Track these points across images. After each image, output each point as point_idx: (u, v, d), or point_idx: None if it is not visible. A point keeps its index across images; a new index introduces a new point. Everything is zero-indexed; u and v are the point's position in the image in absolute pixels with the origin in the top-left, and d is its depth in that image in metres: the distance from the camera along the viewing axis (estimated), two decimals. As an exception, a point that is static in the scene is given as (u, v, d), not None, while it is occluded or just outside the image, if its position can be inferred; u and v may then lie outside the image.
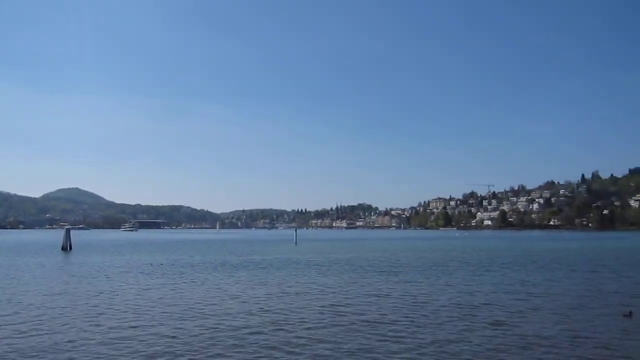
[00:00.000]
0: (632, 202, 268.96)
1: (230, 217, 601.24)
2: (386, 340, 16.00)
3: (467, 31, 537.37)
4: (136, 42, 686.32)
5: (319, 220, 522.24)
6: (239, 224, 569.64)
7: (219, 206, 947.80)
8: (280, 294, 26.91)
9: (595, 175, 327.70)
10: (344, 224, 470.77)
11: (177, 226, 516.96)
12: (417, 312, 21.26)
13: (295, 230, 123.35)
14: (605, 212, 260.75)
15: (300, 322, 19.09)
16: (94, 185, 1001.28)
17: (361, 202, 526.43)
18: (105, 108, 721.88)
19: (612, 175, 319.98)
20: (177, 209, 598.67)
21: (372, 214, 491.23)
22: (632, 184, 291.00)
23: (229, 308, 22.31)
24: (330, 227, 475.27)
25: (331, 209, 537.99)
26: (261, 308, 22.27)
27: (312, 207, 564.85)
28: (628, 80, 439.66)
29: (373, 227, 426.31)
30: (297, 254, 64.35)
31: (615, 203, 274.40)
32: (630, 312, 20.29)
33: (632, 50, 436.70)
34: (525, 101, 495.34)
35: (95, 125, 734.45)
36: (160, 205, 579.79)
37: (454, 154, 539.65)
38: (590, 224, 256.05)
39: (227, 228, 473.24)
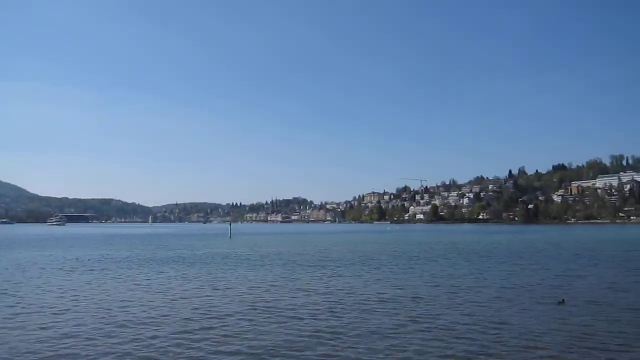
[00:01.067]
0: (555, 197, 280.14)
1: (163, 211, 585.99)
2: (307, 336, 15.79)
3: (394, 37, 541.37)
4: (65, 31, 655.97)
5: (254, 214, 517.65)
6: (172, 217, 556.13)
7: (151, 200, 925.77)
8: (205, 290, 26.21)
9: (522, 171, 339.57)
10: (279, 218, 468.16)
11: (106, 220, 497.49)
12: (342, 306, 20.99)
13: (230, 224, 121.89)
14: (530, 206, 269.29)
15: (221, 318, 18.65)
16: (15, 177, 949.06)
17: (296, 196, 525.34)
18: (29, 97, 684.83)
19: (537, 171, 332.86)
20: (106, 202, 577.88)
21: (308, 207, 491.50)
22: (555, 180, 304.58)
23: (151, 306, 21.41)
24: (266, 221, 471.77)
25: (266, 202, 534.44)
26: (186, 305, 21.50)
27: (247, 201, 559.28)
28: (552, 81, 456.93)
29: (308, 221, 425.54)
30: (231, 249, 63.17)
31: (540, 198, 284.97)
32: (563, 300, 21.78)
33: (556, 51, 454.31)
34: (457, 101, 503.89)
35: (19, 115, 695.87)
36: (89, 198, 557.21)
37: (388, 149, 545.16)
38: (516, 218, 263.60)
39: (160, 222, 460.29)
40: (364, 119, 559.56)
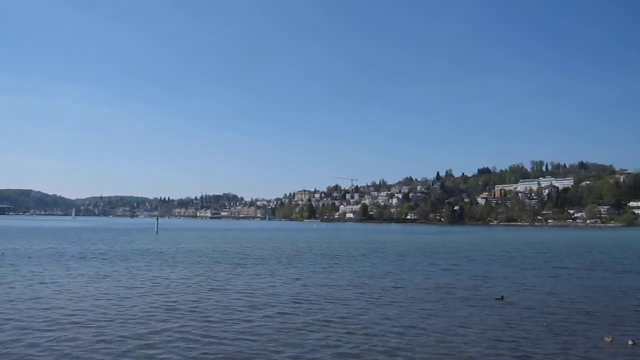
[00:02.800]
0: (479, 199, 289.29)
1: (87, 204, 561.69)
2: (208, 337, 15.19)
3: (328, 44, 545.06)
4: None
5: (183, 210, 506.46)
6: (96, 211, 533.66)
7: (74, 192, 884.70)
8: (114, 289, 24.83)
9: (449, 174, 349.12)
10: (208, 214, 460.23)
11: (24, 212, 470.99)
12: (251, 307, 20.32)
13: (157, 219, 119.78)
14: (456, 208, 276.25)
15: (124, 319, 17.63)
16: None
17: (227, 192, 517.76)
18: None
19: (463, 174, 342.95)
20: (25, 193, 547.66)
21: (238, 204, 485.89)
22: (479, 183, 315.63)
23: (54, 305, 20.11)
24: (195, 216, 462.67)
25: (195, 198, 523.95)
26: (91, 305, 20.31)
27: (175, 196, 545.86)
28: (480, 87, 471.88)
29: (238, 218, 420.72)
30: (156, 244, 61.77)
31: (465, 200, 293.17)
32: (502, 297, 22.89)
33: (485, 59, 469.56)
34: (389, 104, 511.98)
35: None
36: (5, 189, 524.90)
37: (320, 148, 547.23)
38: (442, 219, 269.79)
39: (83, 215, 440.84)
40: (297, 117, 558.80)
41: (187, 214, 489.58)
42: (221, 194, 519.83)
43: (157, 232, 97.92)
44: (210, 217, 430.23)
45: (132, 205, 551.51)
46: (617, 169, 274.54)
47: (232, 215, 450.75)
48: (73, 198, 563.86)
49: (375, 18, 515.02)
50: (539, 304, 21.64)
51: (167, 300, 21.81)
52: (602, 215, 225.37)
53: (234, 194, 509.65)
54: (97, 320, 17.51)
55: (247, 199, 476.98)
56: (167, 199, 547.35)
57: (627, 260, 46.63)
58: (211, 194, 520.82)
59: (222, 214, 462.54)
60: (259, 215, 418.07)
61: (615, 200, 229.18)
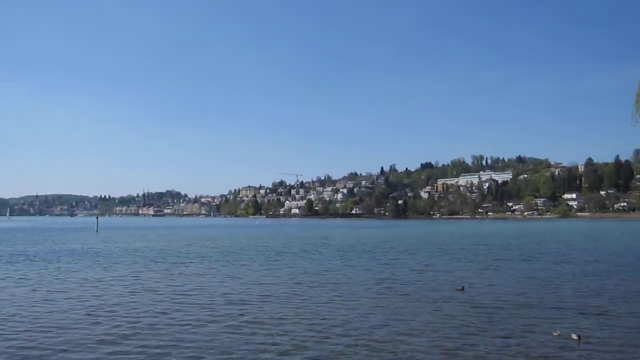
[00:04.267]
0: (422, 194, 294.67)
1: (21, 203, 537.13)
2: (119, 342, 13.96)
3: (274, 34, 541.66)
4: None
5: (125, 208, 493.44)
6: (32, 210, 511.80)
7: (7, 191, 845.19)
8: (36, 292, 23.44)
9: (393, 169, 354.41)
10: (151, 212, 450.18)
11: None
12: (180, 308, 19.37)
13: (97, 217, 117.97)
14: (400, 202, 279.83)
15: (38, 326, 16.27)
16: None
17: (170, 189, 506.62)
18: None
19: (406, 168, 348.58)
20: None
21: (182, 201, 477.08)
22: (422, 177, 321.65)
23: None
24: (137, 214, 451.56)
25: (137, 195, 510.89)
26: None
27: (116, 194, 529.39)
28: (424, 83, 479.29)
29: (182, 215, 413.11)
30: (95, 244, 59.99)
31: (409, 194, 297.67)
32: (463, 287, 23.49)
33: (428, 54, 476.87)
34: (333, 98, 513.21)
35: None
36: None
37: (265, 144, 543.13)
38: (386, 213, 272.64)
39: (18, 215, 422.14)
40: (241, 112, 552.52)
41: (128, 212, 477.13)
42: (164, 191, 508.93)
43: (97, 231, 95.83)
44: (153, 215, 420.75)
45: (71, 204, 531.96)
46: (552, 162, 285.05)
47: (176, 212, 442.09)
48: (7, 197, 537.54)
49: (324, 7, 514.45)
50: (483, 298, 21.38)
51: (92, 303, 20.55)
52: (539, 207, 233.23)
53: (178, 190, 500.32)
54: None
55: (191, 195, 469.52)
56: (107, 197, 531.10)
57: (563, 250, 47.59)
58: (154, 192, 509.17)
59: (166, 211, 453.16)
60: (203, 212, 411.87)
61: (550, 193, 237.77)
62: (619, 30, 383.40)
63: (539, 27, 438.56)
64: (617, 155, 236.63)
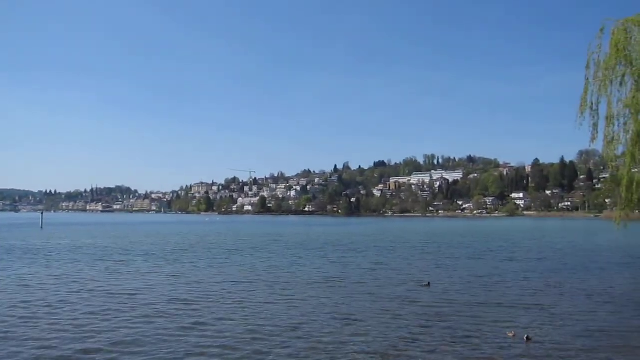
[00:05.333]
0: (375, 192, 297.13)
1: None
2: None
3: (225, 36, 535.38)
4: None
5: (71, 203, 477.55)
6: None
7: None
8: None
9: (346, 166, 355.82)
10: (99, 208, 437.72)
11: None
12: (112, 309, 18.34)
13: (42, 213, 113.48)
14: (352, 200, 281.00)
15: None
16: None
17: (120, 184, 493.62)
18: None
19: (360, 167, 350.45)
20: None
21: (132, 197, 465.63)
22: (375, 175, 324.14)
23: None
24: (85, 210, 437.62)
25: (85, 190, 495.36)
26: None
27: (63, 189, 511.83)
28: (376, 82, 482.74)
29: (132, 211, 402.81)
30: (39, 240, 58.15)
31: (362, 192, 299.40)
32: (429, 283, 23.98)
33: (377, 60, 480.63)
34: (287, 95, 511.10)
35: None
36: None
37: (218, 140, 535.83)
38: (339, 211, 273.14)
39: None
40: (194, 109, 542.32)
41: (75, 207, 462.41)
42: (113, 186, 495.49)
43: (42, 227, 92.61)
44: (102, 211, 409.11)
45: (14, 199, 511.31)
46: (501, 162, 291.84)
47: (126, 208, 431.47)
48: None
49: (277, 10, 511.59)
50: (433, 297, 21.16)
51: (24, 301, 19.42)
52: (488, 206, 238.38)
53: (128, 186, 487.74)
54: None
55: (142, 191, 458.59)
56: (53, 192, 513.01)
57: (511, 248, 48.34)
58: (102, 187, 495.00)
59: (115, 207, 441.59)
60: (154, 208, 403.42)
61: (499, 192, 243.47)
62: (567, 33, 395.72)
63: (489, 29, 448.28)
64: (562, 156, 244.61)
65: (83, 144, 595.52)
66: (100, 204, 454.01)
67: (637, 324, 16.68)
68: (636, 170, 19.37)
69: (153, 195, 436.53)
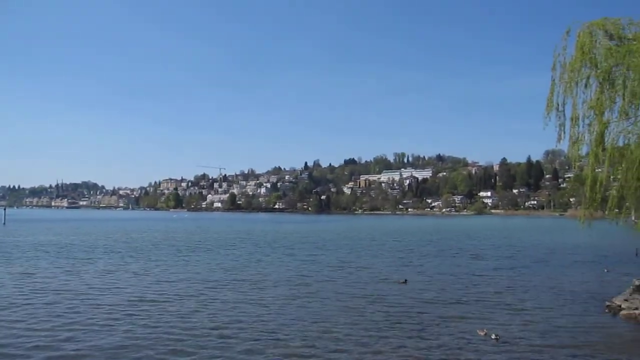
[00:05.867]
0: (345, 189, 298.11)
1: None
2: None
3: (199, 35, 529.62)
4: None
5: (36, 199, 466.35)
6: None
7: None
8: None
9: (316, 164, 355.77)
10: (65, 204, 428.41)
11: None
12: (71, 309, 17.78)
13: (4, 209, 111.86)
14: (323, 197, 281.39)
15: None
16: None
17: (86, 180, 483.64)
18: None
19: (330, 164, 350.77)
20: None
21: (99, 193, 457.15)
22: (346, 173, 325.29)
23: None
24: (49, 206, 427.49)
25: (50, 186, 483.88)
26: None
27: (27, 184, 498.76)
28: (348, 80, 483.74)
29: (99, 207, 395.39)
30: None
31: (332, 189, 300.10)
32: (405, 280, 24.41)
33: (348, 57, 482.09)
34: (257, 92, 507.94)
35: None
36: None
37: (188, 136, 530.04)
38: (309, 208, 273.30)
39: None
40: (163, 105, 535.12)
41: (40, 203, 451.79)
42: (80, 182, 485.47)
43: (4, 223, 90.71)
44: (67, 207, 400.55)
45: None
46: (469, 161, 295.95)
47: (92, 204, 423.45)
48: None
49: (247, 7, 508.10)
50: (401, 296, 21.17)
51: None
52: (456, 204, 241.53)
53: (94, 182, 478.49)
54: None
55: (109, 187, 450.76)
56: (17, 187, 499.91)
57: (479, 245, 49.01)
58: (68, 182, 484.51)
59: (81, 203, 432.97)
60: (121, 204, 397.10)
61: (467, 191, 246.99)
62: (535, 34, 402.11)
63: (461, 29, 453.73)
64: (529, 156, 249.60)
65: (48, 139, 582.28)
66: (66, 199, 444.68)
67: (598, 320, 17.08)
68: (600, 170, 19.76)
69: (121, 192, 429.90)
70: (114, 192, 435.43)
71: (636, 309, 18.02)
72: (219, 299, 19.99)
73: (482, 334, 14.72)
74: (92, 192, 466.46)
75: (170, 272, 28.08)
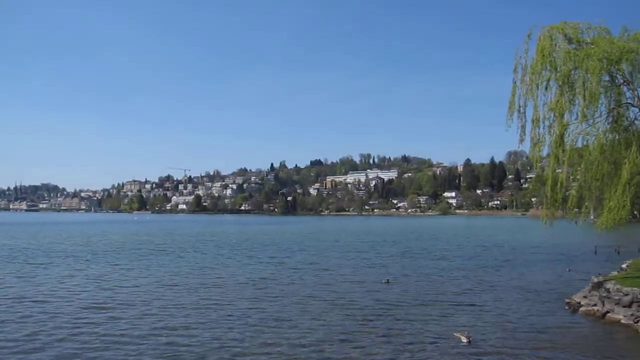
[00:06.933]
0: (312, 190, 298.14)
1: None
2: None
3: (159, 28, 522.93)
4: None
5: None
6: None
7: None
8: None
9: (282, 165, 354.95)
10: (24, 206, 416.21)
11: None
12: (18, 318, 17.12)
13: None
14: (289, 198, 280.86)
15: None
16: None
17: (46, 182, 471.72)
18: None
19: (296, 165, 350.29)
20: None
21: (59, 195, 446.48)
22: (312, 174, 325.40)
23: None
24: (7, 209, 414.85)
25: (8, 188, 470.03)
26: None
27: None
28: (314, 81, 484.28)
29: (59, 210, 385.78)
30: None
31: (298, 191, 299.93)
32: (388, 280, 25.14)
33: (316, 57, 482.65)
34: (223, 93, 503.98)
35: None
36: None
37: (152, 137, 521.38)
38: (276, 209, 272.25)
39: None
40: (126, 104, 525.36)
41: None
42: (39, 184, 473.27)
43: None
44: (26, 210, 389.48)
45: None
46: (434, 162, 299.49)
47: (53, 207, 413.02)
48: None
49: (214, 8, 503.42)
50: (368, 297, 21.18)
51: None
52: (422, 204, 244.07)
53: (55, 184, 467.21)
54: None
55: (70, 189, 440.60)
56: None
57: (444, 246, 49.57)
58: (27, 184, 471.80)
59: (41, 206, 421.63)
60: (83, 207, 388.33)
61: (432, 191, 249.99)
62: (498, 39, 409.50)
63: (425, 33, 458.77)
64: (492, 157, 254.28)
65: (5, 140, 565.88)
66: (25, 202, 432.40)
67: (559, 318, 17.51)
68: (560, 171, 20.21)
69: (82, 194, 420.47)
70: (75, 194, 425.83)
71: (594, 305, 18.49)
72: (175, 304, 19.55)
73: (458, 336, 14.58)
74: (52, 195, 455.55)
75: (128, 277, 27.50)
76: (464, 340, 14.40)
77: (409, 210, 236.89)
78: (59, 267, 31.57)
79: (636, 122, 19.66)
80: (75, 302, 20.11)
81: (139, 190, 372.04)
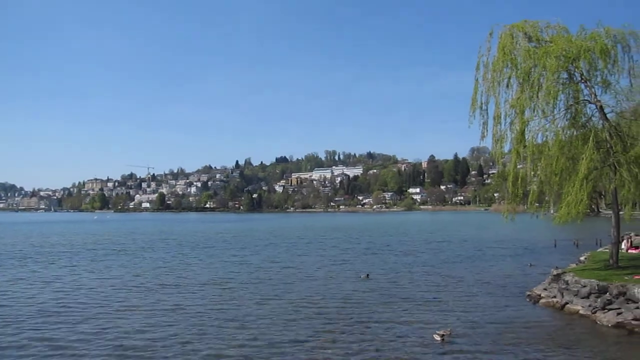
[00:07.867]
0: (277, 187, 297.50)
1: None
2: None
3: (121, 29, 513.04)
4: None
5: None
6: None
7: None
8: None
9: (248, 162, 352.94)
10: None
11: None
12: None
13: None
14: (254, 196, 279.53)
15: None
16: None
17: (3, 181, 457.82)
18: None
19: (261, 162, 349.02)
20: None
21: (17, 194, 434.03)
22: (277, 171, 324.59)
23: None
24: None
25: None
26: None
27: None
28: (278, 78, 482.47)
29: (17, 210, 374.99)
30: None
31: (264, 188, 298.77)
32: (368, 275, 25.74)
33: (281, 51, 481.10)
34: (187, 90, 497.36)
35: None
36: None
37: (114, 135, 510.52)
38: (241, 207, 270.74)
39: None
40: (87, 100, 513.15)
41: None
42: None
43: None
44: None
45: None
46: (399, 158, 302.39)
47: (10, 207, 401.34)
48: None
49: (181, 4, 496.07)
50: (333, 295, 21.32)
51: None
52: (387, 200, 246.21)
53: (12, 183, 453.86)
54: None
55: (29, 189, 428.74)
56: None
57: (409, 242, 50.18)
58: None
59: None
60: (42, 206, 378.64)
61: (397, 187, 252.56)
62: (463, 36, 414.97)
63: (390, 30, 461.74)
64: (456, 153, 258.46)
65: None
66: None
67: (520, 310, 17.98)
68: (521, 166, 20.67)
69: (42, 193, 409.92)
70: (34, 194, 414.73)
71: (554, 297, 18.99)
72: (126, 309, 19.03)
73: (441, 333, 14.52)
74: (9, 194, 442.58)
75: (83, 279, 26.87)
76: (438, 338, 14.36)
77: (375, 207, 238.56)
78: (9, 270, 30.68)
79: (593, 118, 20.26)
80: (26, 306, 19.54)
81: (101, 189, 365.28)
